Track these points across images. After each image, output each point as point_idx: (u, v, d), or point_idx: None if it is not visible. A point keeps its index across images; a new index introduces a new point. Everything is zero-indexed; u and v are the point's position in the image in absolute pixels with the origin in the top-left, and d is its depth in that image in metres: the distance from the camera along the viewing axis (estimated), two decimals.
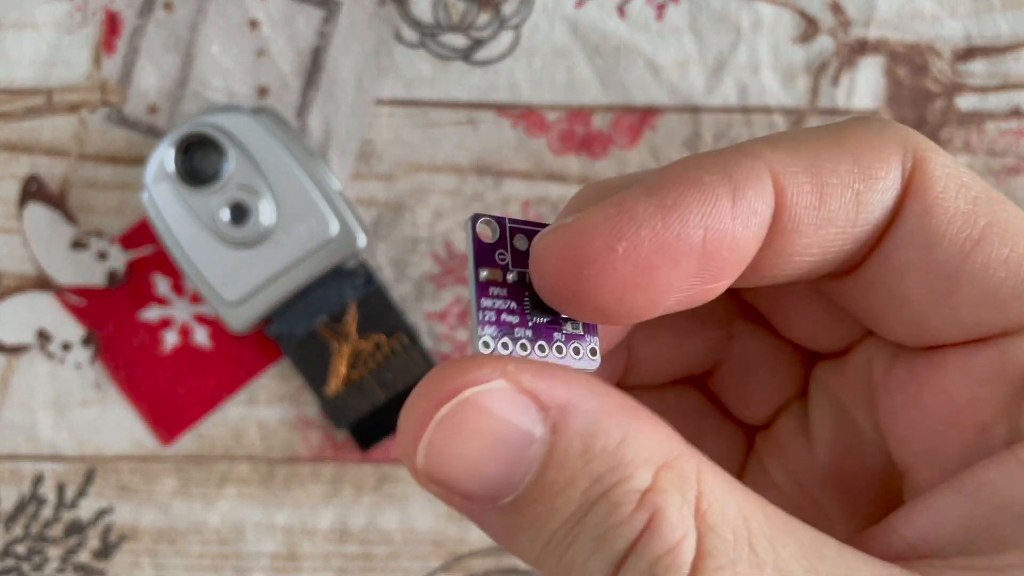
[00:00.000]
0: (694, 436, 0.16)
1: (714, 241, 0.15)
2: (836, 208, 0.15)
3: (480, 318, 0.15)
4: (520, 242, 0.16)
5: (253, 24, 0.35)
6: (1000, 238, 0.16)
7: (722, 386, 0.20)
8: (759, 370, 0.20)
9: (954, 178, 0.16)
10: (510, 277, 0.15)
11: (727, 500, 0.14)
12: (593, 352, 0.16)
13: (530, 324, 0.15)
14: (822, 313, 0.19)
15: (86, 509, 0.35)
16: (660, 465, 0.14)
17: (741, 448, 0.20)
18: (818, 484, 0.19)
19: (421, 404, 0.14)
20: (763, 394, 0.20)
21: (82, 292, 0.35)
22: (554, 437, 0.14)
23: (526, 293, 0.15)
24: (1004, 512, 0.15)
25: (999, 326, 0.16)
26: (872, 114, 0.15)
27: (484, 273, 0.15)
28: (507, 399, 0.14)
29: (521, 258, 0.16)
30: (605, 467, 0.14)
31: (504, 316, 0.15)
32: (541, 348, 0.15)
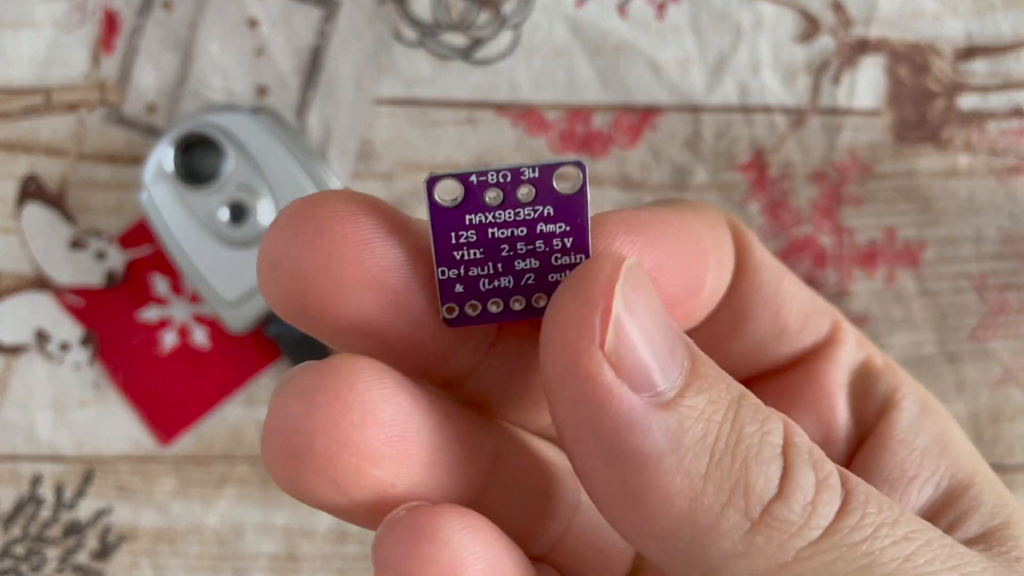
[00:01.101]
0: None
1: None
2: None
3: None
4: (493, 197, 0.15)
5: (252, 23, 0.35)
6: (790, 275, 0.20)
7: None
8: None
9: (756, 240, 0.20)
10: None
11: None
12: None
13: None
14: None
15: (85, 510, 0.35)
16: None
17: None
18: None
19: (602, 270, 0.14)
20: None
21: (80, 292, 0.35)
22: (684, 336, 0.15)
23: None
24: (919, 488, 0.19)
25: (815, 338, 0.20)
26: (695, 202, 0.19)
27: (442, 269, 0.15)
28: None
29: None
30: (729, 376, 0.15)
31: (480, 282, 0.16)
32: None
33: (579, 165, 0.15)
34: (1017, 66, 0.35)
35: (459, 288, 0.16)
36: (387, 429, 0.14)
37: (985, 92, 0.35)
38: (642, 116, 0.35)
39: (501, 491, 0.17)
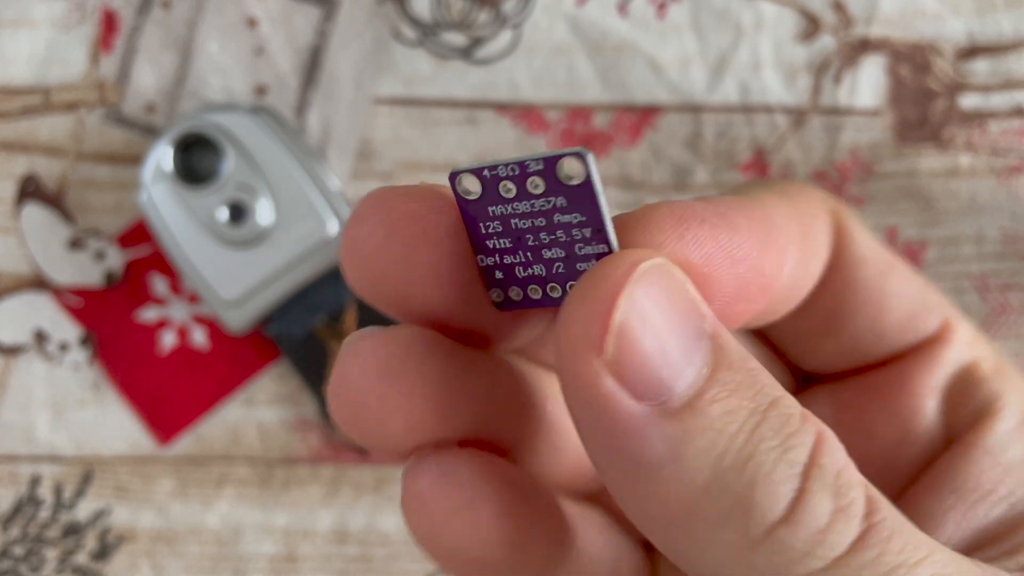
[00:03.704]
0: None
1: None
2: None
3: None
4: (507, 191, 0.15)
5: (251, 22, 0.35)
6: (900, 269, 0.20)
7: None
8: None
9: (863, 229, 0.19)
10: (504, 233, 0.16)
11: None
12: None
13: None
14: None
15: (84, 510, 0.35)
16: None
17: None
18: None
19: (611, 275, 0.13)
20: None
21: (79, 292, 0.35)
22: (718, 339, 0.14)
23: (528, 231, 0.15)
24: (990, 504, 0.17)
25: (917, 337, 0.20)
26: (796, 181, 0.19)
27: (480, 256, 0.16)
28: (679, 277, 0.14)
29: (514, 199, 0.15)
30: (767, 378, 0.14)
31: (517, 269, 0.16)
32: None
33: (580, 156, 0.14)
34: (1018, 65, 0.35)
35: (499, 275, 0.16)
36: (434, 391, 0.15)
37: (986, 92, 0.35)
38: (643, 115, 0.35)
39: (544, 443, 0.17)
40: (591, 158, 0.14)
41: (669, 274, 0.13)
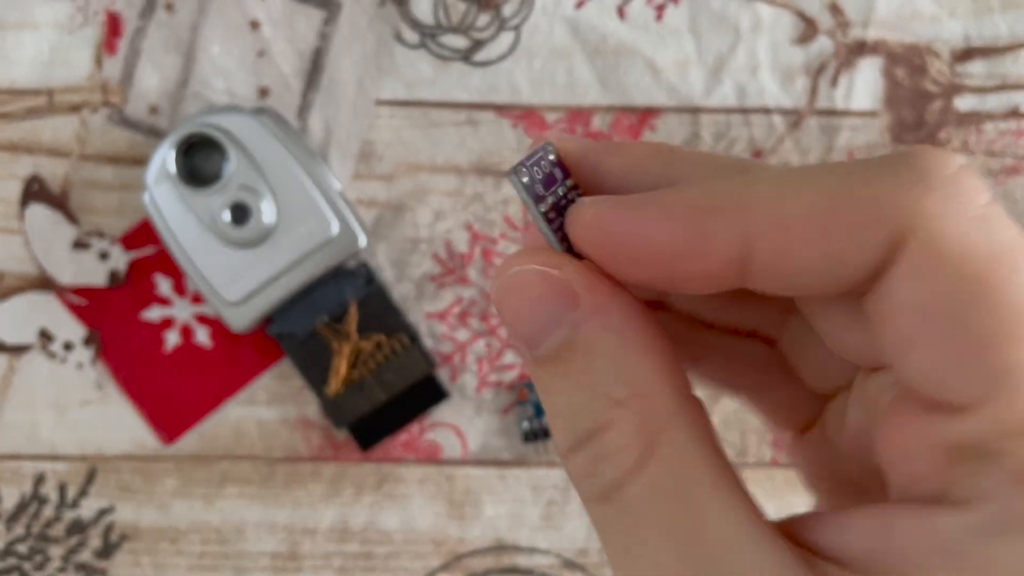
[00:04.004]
0: (763, 385, 0.21)
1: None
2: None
3: (556, 239, 0.18)
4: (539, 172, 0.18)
5: (254, 25, 0.35)
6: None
7: (789, 351, 0.22)
8: (817, 348, 0.20)
9: (970, 229, 0.15)
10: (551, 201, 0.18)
11: (682, 448, 0.17)
12: None
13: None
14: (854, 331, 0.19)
15: (87, 508, 0.35)
16: (635, 394, 0.17)
17: (809, 406, 0.22)
18: (863, 458, 0.19)
19: (501, 269, 0.18)
20: (821, 370, 0.21)
21: (83, 292, 0.35)
22: (575, 330, 0.17)
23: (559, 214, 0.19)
24: (896, 558, 0.16)
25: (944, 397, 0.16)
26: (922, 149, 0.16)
27: (542, 208, 0.18)
28: (543, 281, 0.18)
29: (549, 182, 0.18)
30: (602, 374, 0.17)
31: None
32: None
33: (511, 174, 0.17)
34: (1015, 67, 0.35)
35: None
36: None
37: (983, 93, 0.35)
38: (641, 117, 0.35)
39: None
40: (516, 179, 0.17)
41: (524, 277, 0.18)
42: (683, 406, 0.17)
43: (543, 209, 0.18)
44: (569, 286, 0.18)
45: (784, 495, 0.35)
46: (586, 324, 0.17)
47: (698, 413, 0.18)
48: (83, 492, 0.35)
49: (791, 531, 0.17)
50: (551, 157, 0.18)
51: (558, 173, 0.18)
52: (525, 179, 0.17)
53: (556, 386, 0.18)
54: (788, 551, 0.16)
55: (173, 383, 0.35)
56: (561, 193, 0.18)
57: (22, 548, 0.35)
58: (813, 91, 0.35)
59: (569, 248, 0.18)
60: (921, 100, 0.35)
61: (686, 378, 0.18)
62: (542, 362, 0.18)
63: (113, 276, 0.35)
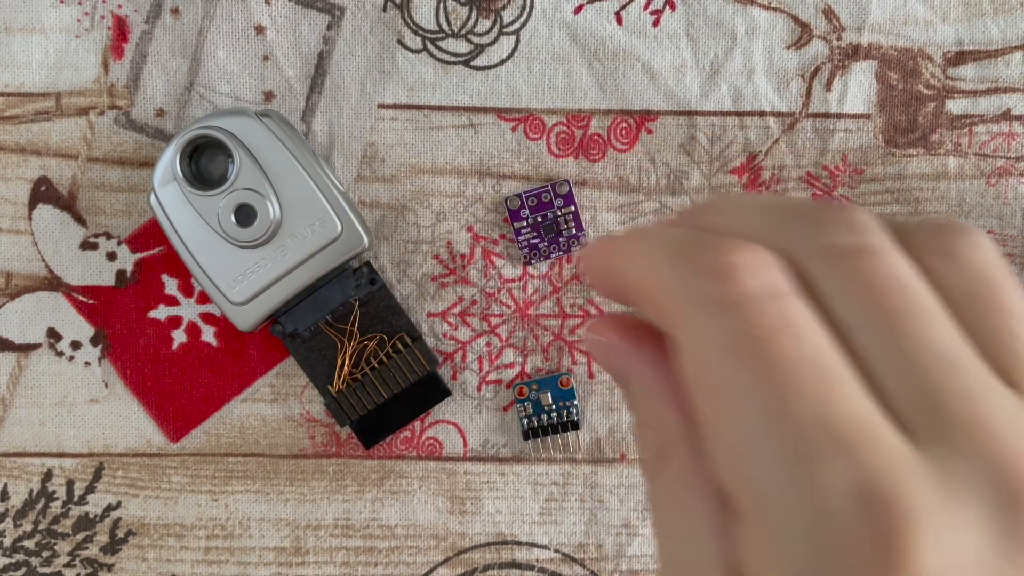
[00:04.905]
0: None
1: None
2: None
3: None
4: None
5: (259, 29, 0.35)
6: None
7: None
8: None
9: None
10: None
11: (684, 461, 0.20)
12: None
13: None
14: None
15: (94, 504, 0.36)
16: None
17: None
18: None
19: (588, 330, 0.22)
20: None
21: (91, 292, 0.36)
22: (628, 379, 0.21)
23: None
24: None
25: None
26: None
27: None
28: (604, 346, 0.22)
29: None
30: (637, 407, 0.21)
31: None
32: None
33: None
34: (1006, 70, 0.35)
35: None
36: None
37: (974, 96, 0.35)
38: (639, 120, 0.35)
39: None
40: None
41: (593, 344, 0.22)
42: (692, 431, 0.20)
43: None
44: (614, 349, 0.22)
45: None
46: (629, 374, 0.21)
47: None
48: (90, 488, 0.36)
49: None
50: None
51: None
52: None
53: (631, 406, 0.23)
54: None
55: (179, 381, 0.36)
56: None
57: (30, 544, 0.36)
58: (807, 94, 0.35)
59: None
60: (914, 103, 0.35)
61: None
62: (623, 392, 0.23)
63: (120, 276, 0.36)
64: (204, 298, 0.35)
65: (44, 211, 0.35)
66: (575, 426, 0.35)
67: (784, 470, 0.15)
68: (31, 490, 0.35)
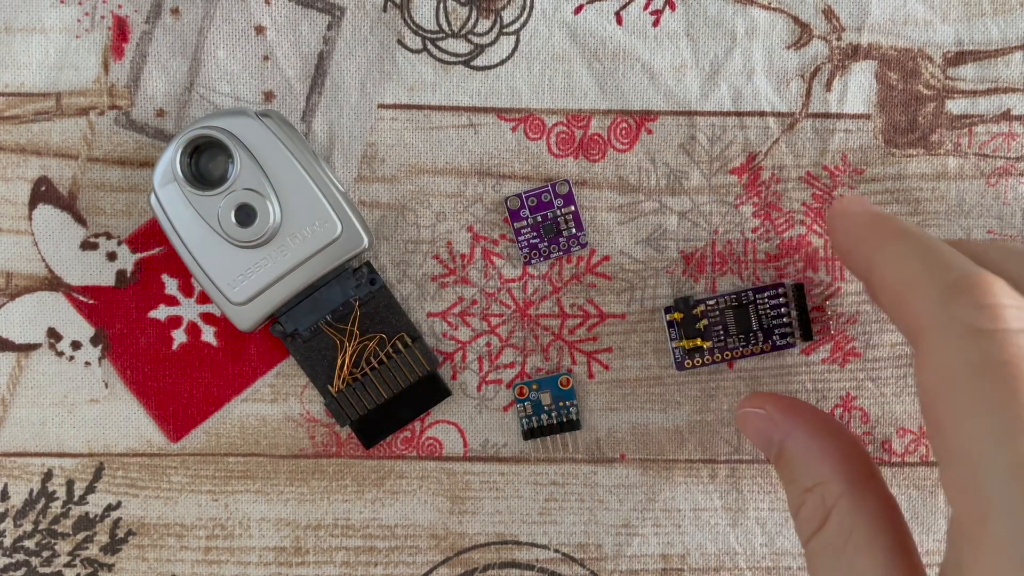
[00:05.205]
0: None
1: None
2: None
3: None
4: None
5: (259, 30, 0.35)
6: None
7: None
8: None
9: None
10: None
11: (847, 517, 0.27)
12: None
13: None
14: None
15: (95, 504, 0.36)
16: None
17: None
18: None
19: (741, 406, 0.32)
20: None
21: (91, 292, 0.36)
22: (781, 446, 0.29)
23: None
24: None
25: None
26: None
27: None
28: (756, 418, 0.31)
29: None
30: (797, 472, 0.29)
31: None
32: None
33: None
34: (1006, 70, 0.35)
35: None
36: None
37: (974, 96, 0.35)
38: (639, 121, 0.35)
39: None
40: None
41: (744, 418, 0.32)
42: (850, 488, 0.25)
43: None
44: (771, 419, 0.28)
45: (780, 491, 0.35)
46: (785, 441, 0.27)
47: (870, 493, 0.25)
48: (90, 488, 0.36)
49: None
50: None
51: None
52: None
53: (782, 481, 0.28)
54: None
55: (179, 381, 0.36)
56: None
57: (30, 544, 0.36)
58: (807, 94, 0.35)
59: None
60: (914, 103, 0.35)
61: (861, 467, 0.26)
62: (774, 463, 0.28)
63: (120, 276, 0.36)
64: (204, 298, 0.35)
65: (44, 211, 0.35)
66: (575, 426, 0.35)
67: (1018, 485, 0.18)
68: (31, 490, 0.36)
